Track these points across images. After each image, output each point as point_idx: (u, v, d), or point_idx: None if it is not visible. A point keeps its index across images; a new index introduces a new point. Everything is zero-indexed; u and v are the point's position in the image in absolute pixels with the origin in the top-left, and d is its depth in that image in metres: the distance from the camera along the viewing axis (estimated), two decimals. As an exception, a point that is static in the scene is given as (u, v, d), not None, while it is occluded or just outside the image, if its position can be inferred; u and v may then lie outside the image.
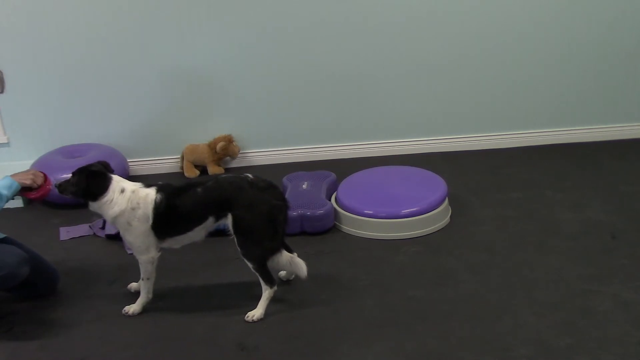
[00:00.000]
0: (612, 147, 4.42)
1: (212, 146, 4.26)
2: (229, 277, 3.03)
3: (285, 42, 4.18)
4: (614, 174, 4.00)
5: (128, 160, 4.27)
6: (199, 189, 2.70)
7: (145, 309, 2.83)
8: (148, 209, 2.67)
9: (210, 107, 4.33)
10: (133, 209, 2.67)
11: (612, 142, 4.48)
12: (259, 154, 4.45)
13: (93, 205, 2.70)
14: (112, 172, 2.77)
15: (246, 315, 2.73)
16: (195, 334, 2.68)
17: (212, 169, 4.28)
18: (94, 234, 3.55)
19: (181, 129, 4.35)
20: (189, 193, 2.70)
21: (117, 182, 2.70)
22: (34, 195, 2.79)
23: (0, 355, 2.63)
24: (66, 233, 3.58)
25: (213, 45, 4.15)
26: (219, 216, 2.71)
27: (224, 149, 4.24)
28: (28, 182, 2.73)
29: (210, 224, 2.74)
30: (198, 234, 2.77)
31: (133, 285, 2.96)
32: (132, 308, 2.82)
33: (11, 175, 2.71)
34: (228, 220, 2.70)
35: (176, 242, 2.80)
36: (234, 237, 2.71)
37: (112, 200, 2.66)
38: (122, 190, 2.68)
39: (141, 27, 4.07)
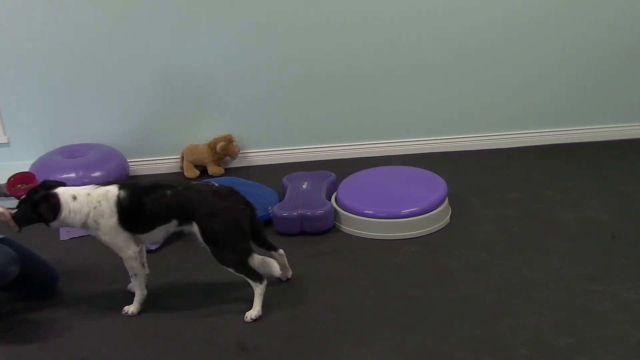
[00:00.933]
0: (612, 147, 4.42)
1: (212, 146, 4.26)
2: (229, 277, 3.02)
3: (286, 42, 4.18)
4: (614, 174, 4.00)
5: (128, 160, 4.27)
6: (168, 192, 2.72)
7: (145, 309, 2.83)
8: (110, 203, 2.68)
9: (210, 107, 4.34)
10: (95, 207, 2.67)
11: (612, 142, 4.48)
12: (259, 154, 4.45)
13: (55, 224, 2.70)
14: (59, 184, 2.73)
15: (245, 316, 2.73)
16: (195, 334, 2.68)
17: (212, 169, 4.28)
18: (94, 234, 3.55)
19: (181, 129, 4.35)
20: (158, 193, 2.72)
21: (64, 193, 2.68)
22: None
23: (0, 355, 2.63)
24: (66, 233, 3.58)
25: (213, 45, 4.15)
26: (182, 221, 2.74)
27: (224, 149, 4.24)
28: (1, 219, 2.67)
29: (172, 226, 2.76)
30: (158, 233, 2.79)
31: (132, 285, 2.96)
32: (131, 308, 2.83)
33: None
34: (194, 229, 2.72)
35: (139, 240, 2.82)
36: (205, 247, 2.73)
37: (70, 210, 2.66)
38: (74, 198, 2.67)
39: (141, 27, 4.07)
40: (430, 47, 4.25)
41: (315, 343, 2.59)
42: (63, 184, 2.76)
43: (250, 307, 2.75)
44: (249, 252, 2.77)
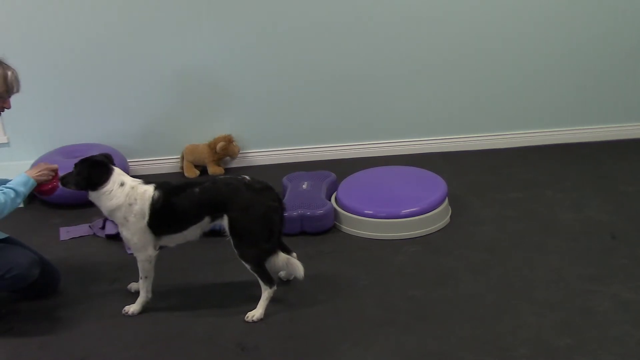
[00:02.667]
0: (612, 147, 4.42)
1: (212, 146, 4.26)
2: (229, 277, 3.03)
3: (286, 42, 4.18)
4: (614, 174, 4.00)
5: (128, 160, 4.27)
6: (196, 189, 2.71)
7: (145, 309, 2.83)
8: (145, 205, 2.68)
9: (210, 107, 4.34)
10: (130, 204, 2.68)
11: (612, 142, 4.48)
12: (259, 154, 4.45)
13: (92, 195, 2.72)
14: (114, 165, 2.79)
15: (246, 316, 2.73)
16: (195, 334, 2.68)
17: (212, 169, 4.28)
18: (94, 234, 3.55)
19: (181, 129, 4.35)
20: (187, 192, 2.71)
21: (118, 175, 2.72)
22: (46, 187, 2.80)
23: (0, 354, 2.63)
24: (66, 233, 3.58)
25: (213, 45, 4.15)
26: (215, 217, 2.72)
27: (224, 149, 4.24)
28: (44, 177, 2.76)
29: (205, 224, 2.75)
30: (193, 233, 2.78)
31: (133, 285, 2.96)
32: (132, 308, 2.82)
33: (26, 172, 2.73)
34: (224, 222, 2.71)
35: (172, 241, 2.81)
36: (230, 239, 2.72)
37: (110, 191, 2.68)
38: (122, 184, 2.70)
39: (141, 27, 4.07)
40: (430, 47, 4.25)
41: (315, 343, 2.59)
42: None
43: (250, 307, 2.75)
44: (270, 252, 2.74)
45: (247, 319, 2.72)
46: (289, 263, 2.79)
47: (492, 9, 4.18)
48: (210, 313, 2.81)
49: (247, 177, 2.76)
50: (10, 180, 2.76)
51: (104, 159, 2.76)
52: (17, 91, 2.79)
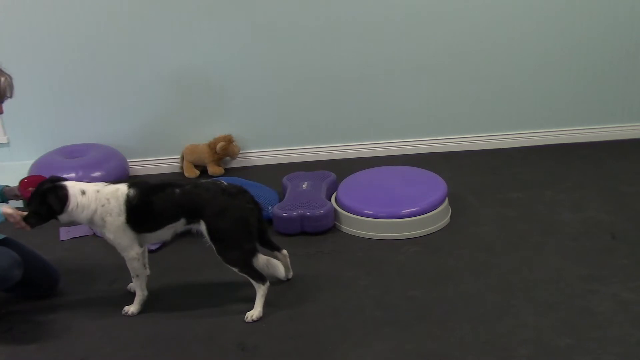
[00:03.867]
0: (612, 147, 4.42)
1: (212, 146, 4.26)
2: (229, 277, 3.02)
3: (285, 42, 4.18)
4: (614, 174, 4.00)
5: (128, 160, 4.27)
6: (177, 190, 2.72)
7: (145, 309, 2.83)
8: (119, 202, 2.68)
9: (210, 107, 4.34)
10: (103, 205, 2.68)
11: (612, 142, 4.48)
12: (259, 154, 4.45)
13: (64, 217, 2.70)
14: (63, 179, 2.75)
15: (245, 316, 2.73)
16: (195, 334, 2.68)
17: (212, 169, 4.28)
18: (94, 234, 3.55)
19: (181, 129, 4.35)
20: (167, 192, 2.72)
21: (73, 187, 2.70)
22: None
23: (0, 354, 2.63)
24: (66, 233, 3.58)
25: (213, 46, 4.15)
26: (190, 220, 2.74)
27: (224, 149, 4.24)
28: (11, 221, 2.67)
29: (180, 225, 2.77)
30: (167, 232, 2.80)
31: (132, 286, 2.96)
32: (132, 308, 2.83)
33: (2, 208, 2.65)
34: (201, 227, 2.72)
35: (147, 239, 2.83)
36: (211, 246, 2.73)
37: (77, 204, 2.67)
38: (83, 192, 2.68)
39: (141, 27, 4.07)
40: (430, 47, 4.25)
41: (315, 343, 2.59)
42: (65, 179, 2.76)
43: (250, 307, 2.75)
44: (254, 252, 2.77)
45: (246, 320, 2.72)
46: (269, 264, 2.81)
47: (492, 8, 4.17)
48: (210, 313, 2.81)
49: (224, 183, 2.79)
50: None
51: (49, 184, 2.69)
52: (10, 97, 2.78)
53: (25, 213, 2.68)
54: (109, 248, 3.41)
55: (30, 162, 4.07)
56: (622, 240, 3.23)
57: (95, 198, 2.68)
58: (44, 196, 2.65)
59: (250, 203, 2.77)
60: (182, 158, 4.35)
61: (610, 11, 4.23)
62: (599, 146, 4.44)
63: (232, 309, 2.81)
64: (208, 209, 2.69)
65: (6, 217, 2.65)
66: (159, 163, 4.41)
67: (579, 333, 2.56)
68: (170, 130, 4.35)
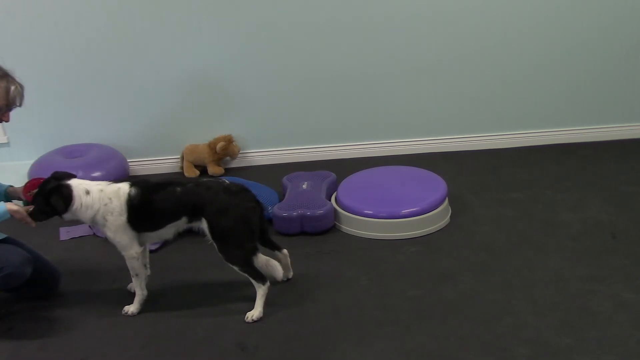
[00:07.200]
0: (612, 147, 4.42)
1: (212, 146, 4.26)
2: (229, 277, 3.02)
3: (285, 42, 4.18)
4: (614, 174, 4.00)
5: (128, 160, 4.27)
6: (178, 189, 2.73)
7: (145, 309, 2.83)
8: (121, 201, 2.69)
9: (210, 107, 4.34)
10: (105, 204, 2.68)
11: (612, 142, 4.48)
12: (259, 154, 4.45)
13: (67, 216, 2.71)
14: (71, 176, 2.75)
15: (245, 316, 2.73)
16: (195, 334, 2.68)
17: (212, 169, 4.28)
18: (94, 234, 3.55)
19: (181, 129, 4.35)
20: (168, 190, 2.73)
21: (78, 186, 2.70)
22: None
23: (0, 354, 2.63)
24: (66, 233, 3.58)
25: (213, 46, 4.15)
26: (192, 219, 2.74)
27: (224, 149, 4.24)
28: (17, 217, 2.67)
29: (182, 223, 2.77)
30: (169, 231, 2.80)
31: (132, 285, 2.96)
32: (132, 308, 2.83)
33: (7, 205, 2.65)
34: (203, 225, 2.72)
35: (148, 238, 2.83)
36: (212, 244, 2.73)
37: (81, 204, 2.67)
38: (87, 192, 2.69)
39: (141, 27, 4.07)
40: (430, 47, 4.25)
41: (315, 343, 2.59)
42: (73, 176, 2.77)
43: (250, 307, 2.75)
44: (255, 251, 2.76)
45: (246, 320, 2.72)
46: (268, 264, 2.81)
47: (492, 8, 4.17)
48: (210, 313, 2.81)
49: (226, 181, 2.80)
50: (0, 185, 2.78)
51: (54, 182, 2.69)
52: (20, 106, 2.78)
53: (30, 208, 2.68)
54: (109, 248, 3.42)
55: (30, 162, 4.07)
56: (622, 240, 3.23)
57: (99, 198, 2.69)
58: (49, 196, 2.65)
59: (252, 202, 2.77)
60: (182, 158, 4.35)
61: (610, 11, 4.23)
62: (599, 146, 4.44)
63: (232, 309, 2.81)
64: (210, 207, 2.69)
65: (12, 213, 2.65)
66: (159, 163, 4.41)
67: (579, 333, 2.56)
68: (170, 130, 4.35)
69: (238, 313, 2.76)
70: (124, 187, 2.72)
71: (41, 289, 2.95)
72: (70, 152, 4.13)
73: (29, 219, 2.68)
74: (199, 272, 3.13)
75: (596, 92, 4.44)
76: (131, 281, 2.95)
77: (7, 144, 4.27)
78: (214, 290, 2.99)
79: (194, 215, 2.73)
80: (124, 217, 2.70)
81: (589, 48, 4.32)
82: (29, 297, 2.95)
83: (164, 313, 2.83)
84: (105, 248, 3.42)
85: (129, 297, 2.89)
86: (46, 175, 2.83)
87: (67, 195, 2.66)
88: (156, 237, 2.84)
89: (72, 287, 3.06)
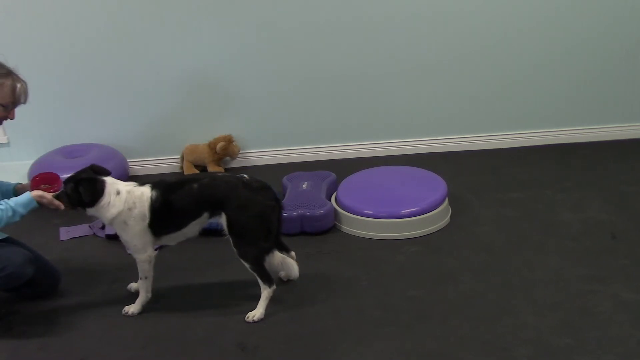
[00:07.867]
0: (612, 147, 4.41)
1: (212, 146, 4.26)
2: (229, 277, 3.03)
3: (285, 42, 4.18)
4: (614, 174, 4.00)
5: (128, 160, 4.27)
6: (194, 185, 2.71)
7: (145, 309, 2.83)
8: (144, 207, 2.68)
9: (210, 107, 4.33)
10: (130, 209, 2.67)
11: (612, 142, 4.48)
12: (259, 154, 4.45)
13: (90, 210, 2.70)
14: (107, 173, 2.75)
15: (246, 316, 2.73)
16: (195, 334, 2.68)
17: (212, 169, 4.28)
18: (94, 234, 3.55)
19: (181, 129, 4.35)
20: (185, 189, 2.71)
21: (111, 184, 2.69)
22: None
23: (0, 355, 2.63)
24: (66, 233, 3.58)
25: (213, 46, 4.15)
26: (213, 213, 2.73)
27: (224, 149, 4.24)
28: (44, 202, 2.67)
29: (204, 219, 2.76)
30: (193, 229, 2.79)
31: (133, 285, 2.96)
32: (132, 308, 2.82)
33: (32, 193, 2.65)
34: (222, 220, 2.71)
35: (171, 239, 2.82)
36: (229, 238, 2.72)
37: (109, 203, 2.66)
38: (118, 192, 2.68)
39: (141, 27, 4.07)
40: (430, 47, 4.25)
41: (315, 343, 2.59)
42: (108, 173, 2.76)
43: (250, 307, 2.75)
44: (269, 251, 2.75)
45: (247, 320, 2.72)
46: (284, 263, 2.80)
47: (492, 8, 4.17)
48: (210, 313, 2.81)
49: (245, 176, 2.77)
50: (8, 184, 2.77)
51: (91, 174, 2.70)
52: (24, 103, 2.78)
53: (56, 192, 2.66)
54: (109, 248, 3.43)
55: (30, 162, 4.06)
56: (622, 240, 3.23)
57: (125, 199, 2.67)
58: (80, 183, 2.64)
59: (273, 200, 2.76)
60: (182, 158, 4.35)
61: (610, 11, 4.23)
62: (599, 146, 4.44)
63: (232, 309, 2.81)
64: (230, 202, 2.68)
65: (37, 199, 2.63)
66: (159, 163, 4.41)
67: (579, 333, 2.56)
68: (170, 130, 4.35)
69: (238, 313, 2.76)
70: (146, 192, 2.69)
71: (41, 289, 2.95)
72: (70, 152, 4.13)
73: (56, 202, 2.65)
74: (199, 272, 3.13)
75: (596, 92, 4.44)
76: (131, 281, 2.95)
77: (7, 144, 4.27)
78: (214, 290, 2.99)
79: (214, 210, 2.71)
80: (145, 222, 2.69)
81: (589, 48, 4.32)
82: (29, 297, 2.95)
83: (164, 313, 2.83)
84: (105, 248, 3.42)
85: (129, 297, 2.89)
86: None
87: (99, 190, 2.65)
88: (182, 236, 2.81)
89: (72, 287, 3.05)
